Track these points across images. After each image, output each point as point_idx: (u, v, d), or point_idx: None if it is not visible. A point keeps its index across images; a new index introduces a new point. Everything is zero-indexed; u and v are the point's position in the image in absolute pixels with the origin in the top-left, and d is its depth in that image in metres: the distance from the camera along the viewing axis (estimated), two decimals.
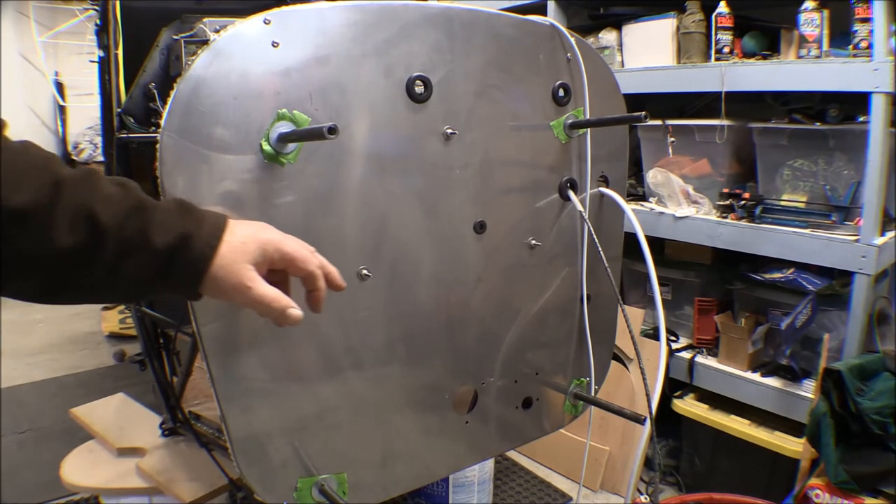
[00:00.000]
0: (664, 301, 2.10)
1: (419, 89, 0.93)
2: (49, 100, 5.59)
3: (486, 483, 1.94)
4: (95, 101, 1.87)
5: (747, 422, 1.94)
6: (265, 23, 0.81)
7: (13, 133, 0.60)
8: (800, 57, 1.84)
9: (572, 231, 1.17)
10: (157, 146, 0.75)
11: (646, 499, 2.10)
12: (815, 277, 1.86)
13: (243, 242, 0.67)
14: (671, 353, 2.14)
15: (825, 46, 1.79)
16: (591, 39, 2.29)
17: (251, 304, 0.68)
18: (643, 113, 0.98)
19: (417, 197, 0.97)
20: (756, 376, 1.94)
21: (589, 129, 1.13)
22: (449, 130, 0.98)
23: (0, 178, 0.54)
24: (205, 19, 1.52)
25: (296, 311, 0.69)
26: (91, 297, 0.63)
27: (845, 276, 1.77)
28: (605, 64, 1.17)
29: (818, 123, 1.84)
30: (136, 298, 0.65)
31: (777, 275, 1.93)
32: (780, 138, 1.92)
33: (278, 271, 0.72)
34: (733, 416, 1.97)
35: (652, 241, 1.27)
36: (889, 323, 1.91)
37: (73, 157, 5.69)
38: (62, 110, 5.64)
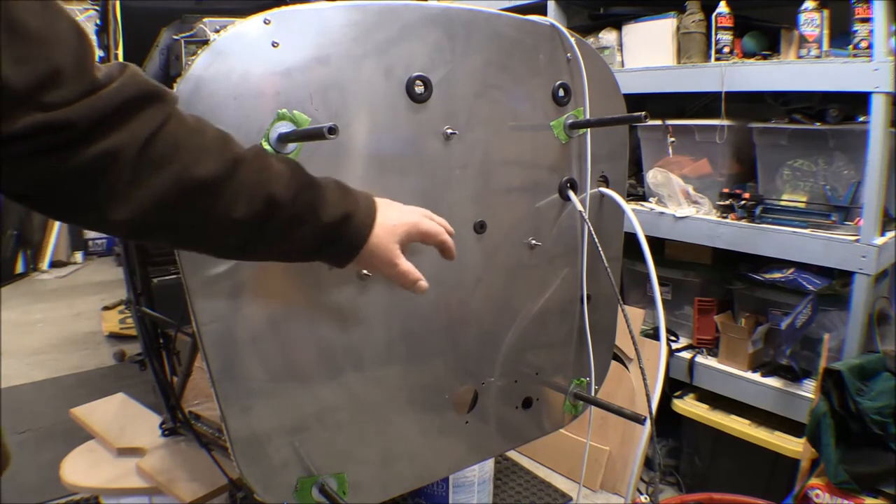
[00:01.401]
0: (664, 301, 2.09)
1: (419, 89, 0.93)
2: None
3: (486, 483, 1.94)
4: None
5: (747, 422, 1.94)
6: (265, 23, 0.81)
7: None
8: (800, 57, 1.84)
9: (572, 231, 1.17)
10: None
11: (646, 499, 2.10)
12: (815, 277, 1.86)
13: (394, 225, 0.79)
14: (671, 353, 2.13)
15: (825, 46, 1.79)
16: (591, 39, 2.29)
17: (393, 277, 0.81)
18: (643, 113, 0.98)
19: (418, 197, 0.97)
20: (756, 376, 1.94)
21: (589, 129, 1.13)
22: (449, 130, 0.98)
23: (185, 151, 0.61)
24: (205, 19, 1.51)
25: (424, 283, 0.83)
26: (266, 256, 0.74)
27: (845, 276, 1.77)
28: (605, 64, 1.17)
29: (818, 123, 1.84)
30: (296, 260, 0.76)
31: (777, 275, 1.93)
32: (780, 138, 1.92)
33: None
34: (733, 416, 1.97)
35: (652, 241, 1.27)
36: (889, 323, 1.90)
37: None
38: None
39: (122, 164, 0.57)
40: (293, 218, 0.70)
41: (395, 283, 0.83)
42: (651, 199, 2.23)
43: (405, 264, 0.81)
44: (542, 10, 2.39)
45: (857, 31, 1.66)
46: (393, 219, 0.79)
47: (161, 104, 0.61)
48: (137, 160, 0.58)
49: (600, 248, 1.12)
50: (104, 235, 5.77)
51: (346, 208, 0.74)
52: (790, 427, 1.85)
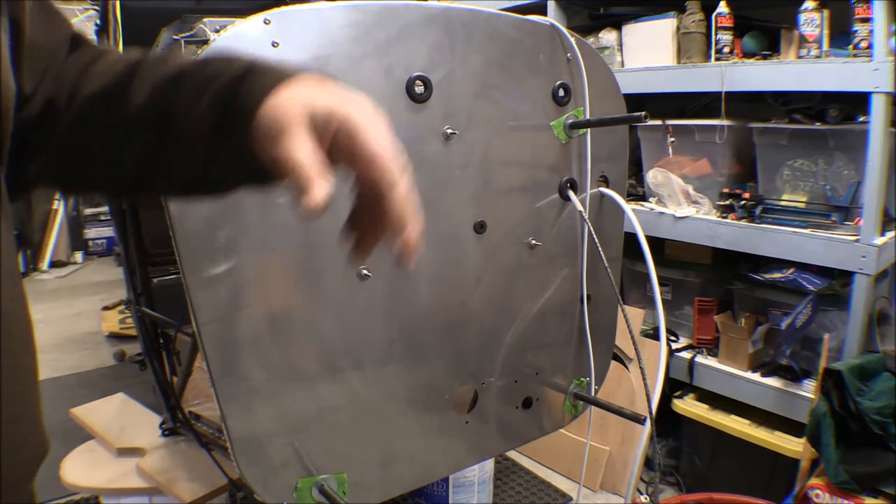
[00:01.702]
0: (664, 301, 2.09)
1: (419, 89, 0.93)
2: None
3: (486, 483, 1.94)
4: None
5: (747, 422, 1.94)
6: (265, 23, 0.81)
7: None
8: (800, 57, 1.84)
9: (572, 231, 1.17)
10: None
11: (646, 499, 2.10)
12: (815, 277, 1.86)
13: (310, 98, 0.52)
14: (671, 353, 2.13)
15: (825, 46, 1.79)
16: (591, 39, 2.29)
17: (284, 160, 0.51)
18: (643, 113, 0.98)
19: (417, 197, 0.97)
20: (756, 376, 1.94)
21: (589, 129, 1.13)
22: (449, 130, 0.98)
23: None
24: (205, 19, 1.52)
25: (323, 190, 0.50)
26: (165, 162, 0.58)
27: (845, 276, 1.77)
28: (605, 64, 1.17)
29: (818, 123, 1.84)
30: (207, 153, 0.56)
31: (777, 275, 1.93)
32: (780, 138, 1.92)
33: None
34: (733, 416, 1.97)
35: (652, 241, 1.27)
36: (889, 323, 1.90)
37: None
38: None
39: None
40: (196, 83, 0.54)
41: (290, 181, 0.52)
42: (651, 199, 2.23)
43: (302, 147, 0.50)
44: (542, 10, 2.39)
45: (857, 31, 1.66)
46: (307, 89, 0.53)
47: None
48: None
49: (600, 248, 1.12)
50: (104, 235, 5.78)
51: (248, 66, 0.55)
52: (790, 427, 1.85)
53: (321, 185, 0.50)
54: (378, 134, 0.54)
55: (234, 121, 0.54)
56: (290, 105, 0.51)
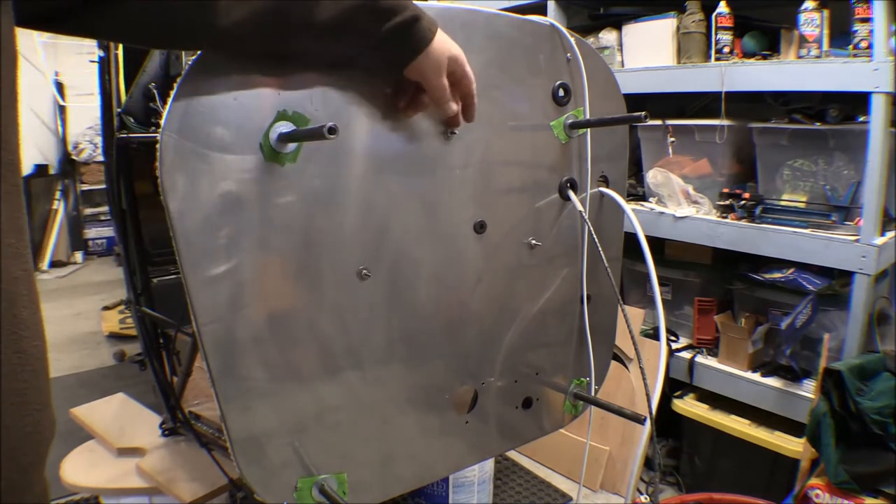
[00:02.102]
0: (664, 301, 2.09)
1: None
2: (49, 100, 5.59)
3: (486, 483, 1.94)
4: (95, 101, 1.87)
5: (747, 422, 1.94)
6: None
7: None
8: (800, 57, 1.84)
9: (572, 231, 1.17)
10: (157, 146, 0.75)
11: (646, 499, 2.10)
12: (815, 277, 1.86)
13: (449, 44, 0.85)
14: (671, 353, 2.14)
15: (825, 46, 1.79)
16: (591, 39, 2.29)
17: (436, 89, 0.86)
18: (643, 113, 0.98)
19: (418, 197, 0.97)
20: (756, 376, 1.94)
21: (589, 129, 1.13)
22: (449, 130, 0.98)
23: None
24: None
25: (455, 108, 0.90)
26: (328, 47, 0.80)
27: (845, 276, 1.77)
28: (605, 64, 1.17)
29: (818, 123, 1.84)
30: (353, 57, 0.83)
31: (777, 275, 1.93)
32: (780, 138, 1.92)
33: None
34: (733, 416, 1.97)
35: (652, 241, 1.27)
36: (889, 323, 1.91)
37: (73, 157, 5.70)
38: (62, 110, 5.64)
39: None
40: (374, 11, 0.77)
41: (432, 98, 0.87)
42: (651, 199, 2.23)
43: (446, 84, 0.86)
44: (542, 10, 2.39)
45: (857, 31, 1.66)
46: (447, 40, 0.85)
47: None
48: None
49: (600, 248, 1.12)
50: (104, 235, 5.78)
51: (416, 11, 0.80)
52: (790, 427, 1.85)
53: (453, 105, 0.89)
54: (470, 70, 0.89)
55: (398, 54, 0.82)
56: (442, 50, 0.84)
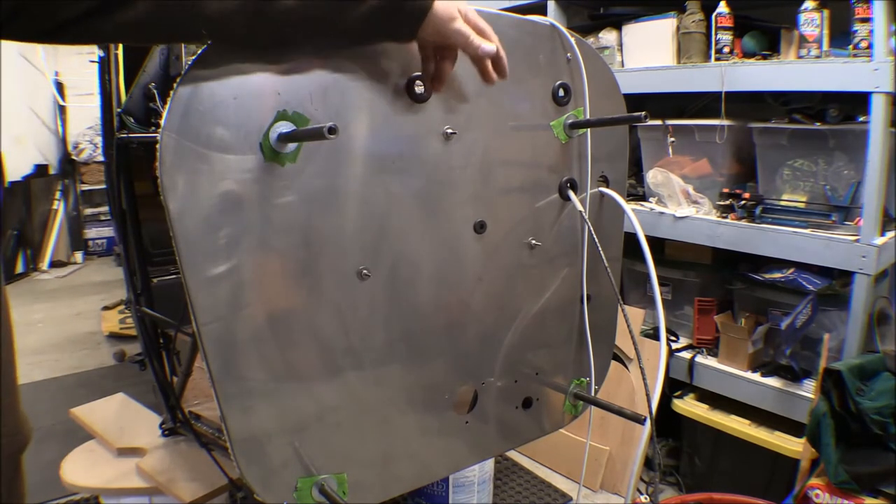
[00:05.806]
0: (664, 301, 2.10)
1: (419, 89, 0.93)
2: (49, 100, 5.59)
3: (486, 483, 1.94)
4: (95, 101, 1.87)
5: (747, 422, 1.94)
6: None
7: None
8: (800, 57, 1.84)
9: (572, 231, 1.17)
10: (157, 146, 0.75)
11: (646, 499, 2.10)
12: (815, 277, 1.86)
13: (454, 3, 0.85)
14: (671, 353, 2.13)
15: (825, 46, 1.79)
16: (591, 39, 2.29)
17: (452, 34, 0.85)
18: (643, 113, 0.98)
19: (417, 197, 0.97)
20: (756, 376, 1.94)
21: (589, 129, 1.13)
22: (449, 130, 0.98)
23: None
24: None
25: (486, 44, 0.88)
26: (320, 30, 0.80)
27: (845, 276, 1.77)
28: (605, 64, 1.17)
29: (818, 123, 1.84)
30: (353, 36, 0.84)
31: (777, 275, 1.93)
32: (780, 138, 1.92)
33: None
34: (733, 416, 1.97)
35: (652, 241, 1.27)
36: (889, 323, 1.91)
37: (73, 157, 5.70)
38: (62, 110, 5.64)
39: None
40: None
41: (459, 45, 0.87)
42: (651, 199, 2.23)
43: (468, 28, 0.86)
44: (542, 10, 2.39)
45: (857, 31, 1.66)
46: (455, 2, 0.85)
47: None
48: None
49: (600, 248, 1.12)
50: (104, 235, 5.78)
51: None
52: (790, 427, 1.85)
53: (484, 43, 0.88)
54: (482, 21, 0.89)
55: (401, 26, 0.82)
56: (450, 7, 0.84)
